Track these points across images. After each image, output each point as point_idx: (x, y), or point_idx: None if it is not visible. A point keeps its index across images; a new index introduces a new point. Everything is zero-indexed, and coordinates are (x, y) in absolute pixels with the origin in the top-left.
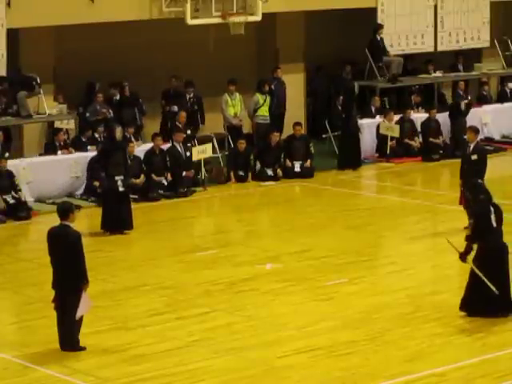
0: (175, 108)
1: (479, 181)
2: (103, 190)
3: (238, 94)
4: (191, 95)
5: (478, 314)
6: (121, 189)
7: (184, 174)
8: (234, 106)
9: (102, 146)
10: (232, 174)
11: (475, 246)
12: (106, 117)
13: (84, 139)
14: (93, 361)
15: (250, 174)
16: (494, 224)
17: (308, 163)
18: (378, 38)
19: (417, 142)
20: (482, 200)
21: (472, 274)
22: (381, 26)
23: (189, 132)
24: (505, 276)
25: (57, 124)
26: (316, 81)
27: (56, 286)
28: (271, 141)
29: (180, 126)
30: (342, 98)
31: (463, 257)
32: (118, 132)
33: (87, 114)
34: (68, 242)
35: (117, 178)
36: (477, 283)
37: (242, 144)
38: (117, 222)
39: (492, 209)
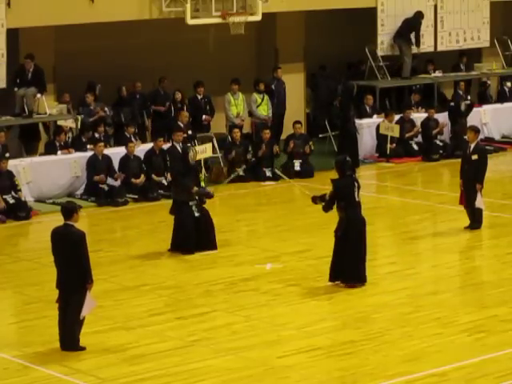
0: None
1: (347, 158)
2: (178, 216)
3: (240, 94)
4: (201, 95)
5: (341, 279)
6: (196, 214)
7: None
8: (237, 105)
9: (174, 168)
10: (226, 168)
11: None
12: (102, 116)
13: (84, 139)
14: (93, 361)
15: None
16: (357, 198)
17: (307, 149)
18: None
19: (417, 129)
20: (349, 175)
21: (335, 242)
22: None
23: (190, 132)
24: (363, 247)
25: (60, 122)
26: (320, 80)
27: (59, 285)
28: (262, 138)
29: (182, 125)
30: (339, 98)
31: (315, 200)
32: (192, 154)
33: (82, 116)
34: (72, 242)
35: (190, 203)
36: (338, 251)
37: (236, 134)
38: (195, 244)
39: (356, 184)
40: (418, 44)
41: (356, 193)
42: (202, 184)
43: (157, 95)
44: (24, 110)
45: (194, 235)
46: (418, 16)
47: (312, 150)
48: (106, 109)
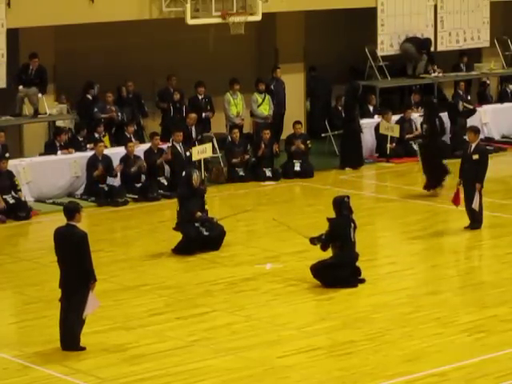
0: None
1: (345, 199)
2: (187, 240)
3: (239, 93)
4: (202, 96)
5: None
6: (205, 233)
7: (184, 173)
8: (236, 105)
9: (179, 192)
10: (226, 168)
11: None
12: (112, 117)
13: (80, 138)
14: (93, 361)
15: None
16: (353, 239)
17: (303, 145)
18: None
19: (418, 132)
20: (345, 215)
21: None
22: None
23: (193, 135)
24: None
25: (58, 123)
26: (311, 81)
27: (62, 285)
28: (262, 139)
29: (189, 127)
30: (344, 97)
31: (313, 241)
32: (196, 178)
33: (95, 110)
34: (74, 242)
35: (196, 224)
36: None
37: (235, 134)
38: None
39: (352, 224)
40: (432, 62)
41: (352, 233)
42: (206, 207)
43: (165, 93)
44: (22, 110)
45: (196, 247)
46: (427, 41)
47: (309, 148)
48: (119, 113)
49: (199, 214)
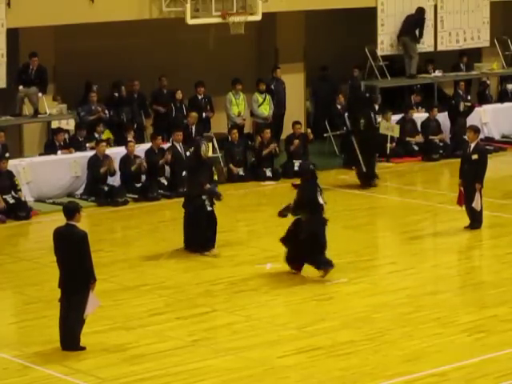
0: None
1: (311, 166)
2: (190, 210)
3: (241, 93)
4: (202, 95)
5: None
6: (209, 208)
7: (184, 173)
8: (238, 105)
9: (187, 163)
10: (226, 168)
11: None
12: (100, 116)
13: (80, 138)
14: (93, 361)
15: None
16: (321, 201)
17: (310, 134)
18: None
19: (420, 138)
20: (311, 180)
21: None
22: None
23: (193, 134)
24: (324, 240)
25: (55, 124)
26: (318, 81)
27: (62, 285)
28: (263, 138)
29: (189, 127)
30: (348, 96)
31: (282, 214)
32: (204, 149)
33: (82, 113)
34: (74, 242)
35: (203, 197)
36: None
37: (235, 134)
38: (204, 242)
39: (318, 188)
40: (420, 37)
41: (320, 197)
42: (215, 178)
43: (159, 94)
44: (22, 110)
45: (206, 230)
46: (421, 12)
47: (312, 139)
48: (106, 111)
49: (208, 185)
